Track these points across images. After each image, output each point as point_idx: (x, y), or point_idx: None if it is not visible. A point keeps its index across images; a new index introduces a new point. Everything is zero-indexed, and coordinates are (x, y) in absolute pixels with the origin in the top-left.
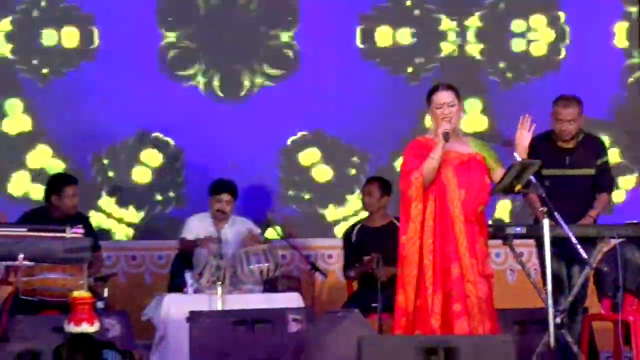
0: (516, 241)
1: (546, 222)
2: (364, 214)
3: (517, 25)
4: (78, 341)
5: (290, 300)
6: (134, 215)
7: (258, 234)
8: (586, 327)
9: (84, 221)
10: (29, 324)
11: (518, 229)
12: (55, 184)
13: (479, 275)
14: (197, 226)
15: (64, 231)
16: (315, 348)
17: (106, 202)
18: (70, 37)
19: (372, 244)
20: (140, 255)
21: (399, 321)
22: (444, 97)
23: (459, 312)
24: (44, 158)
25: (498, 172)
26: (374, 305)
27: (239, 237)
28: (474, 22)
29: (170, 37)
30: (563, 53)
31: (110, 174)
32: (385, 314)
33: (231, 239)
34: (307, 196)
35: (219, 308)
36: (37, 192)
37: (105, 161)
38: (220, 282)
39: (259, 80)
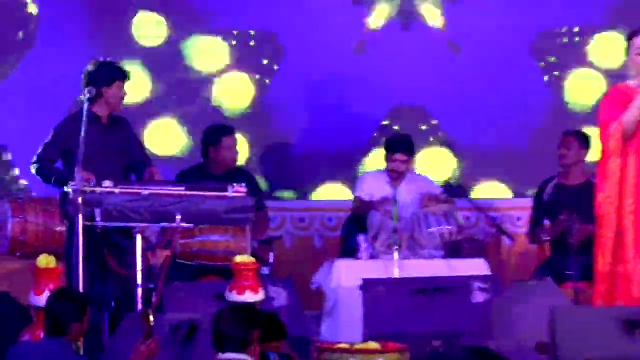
0: None
1: None
2: None
3: None
4: (240, 311)
5: (475, 267)
6: None
7: (438, 192)
8: None
9: (247, 178)
10: (188, 291)
11: None
12: (212, 135)
13: None
14: (372, 185)
15: (225, 189)
16: (503, 320)
17: None
18: None
19: (567, 204)
20: (309, 216)
21: (598, 289)
22: None
23: None
24: None
25: None
26: (568, 272)
27: (417, 197)
28: None
29: None
30: None
31: None
32: (582, 282)
33: (409, 198)
34: None
35: (395, 275)
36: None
37: None
38: (396, 247)
39: None
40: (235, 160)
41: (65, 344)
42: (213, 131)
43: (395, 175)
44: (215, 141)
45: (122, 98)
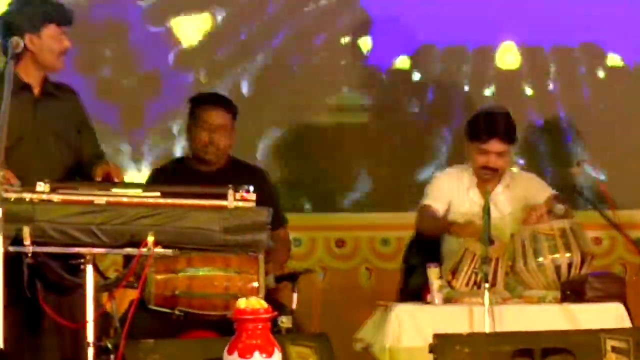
0: None
1: None
2: None
3: None
4: None
5: (608, 315)
6: None
7: (552, 200)
8: None
9: (258, 177)
10: (165, 353)
11: None
12: (194, 105)
13: None
14: (450, 190)
15: (223, 196)
16: None
17: None
18: None
19: None
20: (352, 237)
21: None
22: None
23: None
24: None
25: None
26: None
27: (521, 206)
28: None
29: None
30: None
31: None
32: None
33: (507, 210)
34: None
35: (487, 329)
36: None
37: None
38: (487, 285)
39: None
40: (225, 150)
41: None
42: (193, 99)
43: (488, 174)
44: (195, 114)
45: (62, 52)
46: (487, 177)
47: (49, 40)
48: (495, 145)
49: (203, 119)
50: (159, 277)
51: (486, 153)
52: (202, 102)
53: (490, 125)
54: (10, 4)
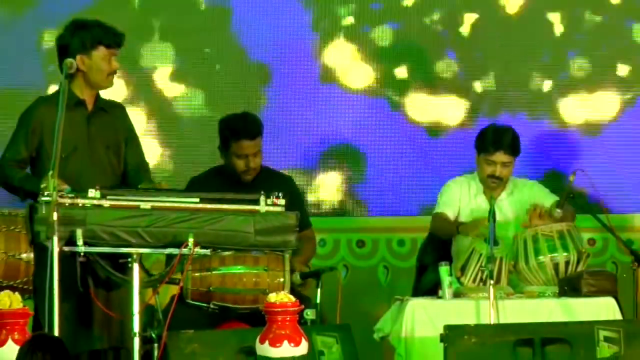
0: None
1: None
2: None
3: None
4: None
5: (602, 309)
6: None
7: (553, 206)
8: None
9: (287, 185)
10: (203, 343)
11: None
12: (224, 133)
13: None
14: (460, 197)
15: (256, 202)
16: None
17: None
18: None
19: None
20: (372, 239)
21: None
22: None
23: None
24: None
25: None
26: None
27: (522, 211)
28: None
29: None
30: None
31: None
32: None
33: (511, 214)
34: None
35: (492, 320)
36: None
37: None
38: (492, 281)
39: None
40: (256, 168)
41: None
42: (224, 129)
43: (495, 183)
44: (225, 144)
45: (111, 73)
46: (494, 186)
47: (98, 61)
48: (500, 157)
49: (239, 152)
50: (195, 274)
51: (493, 164)
52: (235, 134)
53: (496, 139)
54: (65, 28)
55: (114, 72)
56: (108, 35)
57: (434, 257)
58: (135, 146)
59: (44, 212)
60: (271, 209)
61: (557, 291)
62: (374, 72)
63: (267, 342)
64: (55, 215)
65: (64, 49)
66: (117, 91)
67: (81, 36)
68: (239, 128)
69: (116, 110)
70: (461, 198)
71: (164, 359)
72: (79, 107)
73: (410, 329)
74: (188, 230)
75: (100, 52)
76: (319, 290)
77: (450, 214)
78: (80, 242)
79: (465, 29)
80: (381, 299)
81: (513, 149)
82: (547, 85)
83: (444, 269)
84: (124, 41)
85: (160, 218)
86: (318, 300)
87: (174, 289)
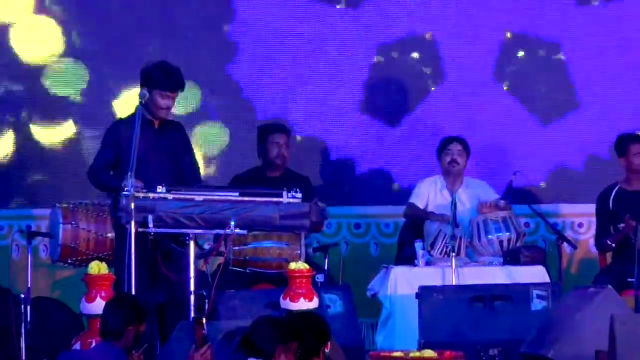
0: None
1: None
2: None
3: None
4: (273, 324)
5: (534, 274)
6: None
7: (497, 199)
8: None
9: (304, 183)
10: (241, 299)
11: None
12: (260, 132)
13: None
14: (428, 191)
15: (280, 195)
16: (563, 327)
17: None
18: None
19: (632, 209)
20: (365, 222)
21: None
22: None
23: None
24: None
25: None
26: (630, 280)
27: (475, 202)
28: None
29: None
30: None
31: None
32: None
33: (467, 204)
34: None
35: (453, 282)
36: None
37: None
38: (454, 254)
39: None
40: (284, 157)
41: (119, 351)
42: (261, 128)
43: (454, 167)
44: (261, 138)
45: (165, 108)
46: (454, 170)
47: (156, 97)
48: (455, 146)
49: (273, 140)
50: (235, 248)
51: (450, 152)
52: (271, 129)
53: (450, 137)
54: (148, 64)
55: (166, 108)
56: (166, 81)
57: (411, 236)
58: (190, 155)
59: (124, 202)
60: (291, 200)
61: (502, 261)
62: None
63: (288, 298)
64: (132, 205)
65: (142, 80)
66: None
67: (149, 75)
68: (272, 124)
69: (176, 127)
70: (429, 193)
71: (212, 312)
72: (149, 125)
73: (394, 288)
74: (230, 216)
75: (158, 91)
76: (326, 260)
77: (420, 204)
78: (150, 225)
79: None
80: (372, 267)
81: (463, 143)
82: None
83: (418, 245)
84: (183, 86)
85: (209, 207)
86: (326, 268)
87: (220, 259)
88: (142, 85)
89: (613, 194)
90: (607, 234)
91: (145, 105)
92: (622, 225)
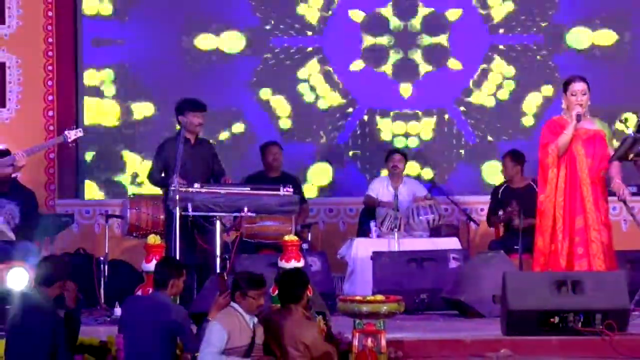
0: (629, 197)
1: None
2: None
3: None
4: (290, 274)
5: (451, 243)
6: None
7: (426, 192)
8: None
9: (294, 181)
10: (251, 261)
11: (631, 188)
12: (261, 146)
13: (602, 225)
14: (379, 186)
15: (278, 190)
16: (470, 280)
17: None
18: None
19: (513, 199)
20: (336, 208)
21: (538, 260)
22: (578, 87)
23: (580, 255)
24: None
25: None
26: (515, 247)
27: (411, 195)
28: None
29: None
30: None
31: None
32: (525, 255)
33: (405, 195)
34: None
35: (396, 249)
36: None
37: None
38: (397, 229)
39: None
40: (278, 166)
41: (167, 296)
42: (261, 145)
43: (397, 170)
44: (262, 151)
45: (197, 125)
46: (396, 172)
47: (190, 117)
48: (397, 156)
49: (269, 153)
50: (246, 225)
51: (393, 160)
52: (268, 145)
53: (393, 150)
54: (179, 100)
55: (199, 125)
56: (195, 105)
57: (367, 217)
58: (217, 162)
59: (171, 194)
60: (285, 193)
61: (429, 234)
62: None
63: (283, 260)
64: (177, 196)
65: (177, 113)
66: None
67: (182, 106)
68: (268, 142)
69: (207, 144)
70: (380, 188)
71: (231, 269)
72: (187, 142)
73: (356, 253)
74: (244, 204)
75: (190, 113)
76: (309, 234)
77: (374, 195)
78: (190, 210)
79: None
80: (342, 238)
81: (403, 153)
82: None
83: (372, 224)
84: (206, 108)
85: (230, 198)
86: (309, 239)
87: (237, 233)
88: (178, 116)
89: (501, 189)
90: (496, 215)
91: (184, 127)
92: (509, 209)
